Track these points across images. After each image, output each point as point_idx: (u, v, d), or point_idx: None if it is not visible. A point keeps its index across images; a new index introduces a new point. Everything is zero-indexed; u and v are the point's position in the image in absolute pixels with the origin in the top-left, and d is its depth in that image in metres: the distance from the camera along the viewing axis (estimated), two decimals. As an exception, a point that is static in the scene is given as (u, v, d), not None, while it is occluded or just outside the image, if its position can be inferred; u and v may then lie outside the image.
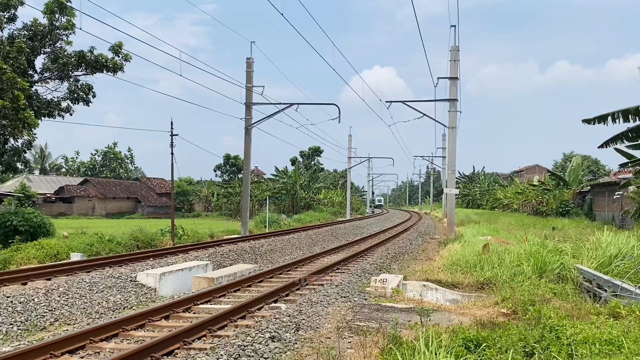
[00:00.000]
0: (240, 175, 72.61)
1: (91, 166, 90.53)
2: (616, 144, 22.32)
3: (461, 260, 15.02)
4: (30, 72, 22.93)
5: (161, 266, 14.76)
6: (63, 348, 7.38)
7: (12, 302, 10.08)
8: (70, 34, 23.21)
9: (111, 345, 7.90)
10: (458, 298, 12.35)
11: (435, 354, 5.28)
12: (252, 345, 7.08)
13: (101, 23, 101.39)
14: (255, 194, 57.30)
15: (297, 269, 15.79)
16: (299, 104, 27.67)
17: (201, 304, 10.65)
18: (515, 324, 6.92)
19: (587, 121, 22.23)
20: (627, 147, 22.35)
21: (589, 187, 42.57)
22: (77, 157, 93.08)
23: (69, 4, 22.67)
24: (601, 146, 22.82)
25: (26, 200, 39.54)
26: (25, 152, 23.89)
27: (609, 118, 21.24)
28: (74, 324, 9.79)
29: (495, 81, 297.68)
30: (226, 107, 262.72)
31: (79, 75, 23.99)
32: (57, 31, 22.94)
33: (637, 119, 20.70)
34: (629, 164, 24.75)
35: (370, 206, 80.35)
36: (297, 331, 7.93)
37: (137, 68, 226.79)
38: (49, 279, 12.44)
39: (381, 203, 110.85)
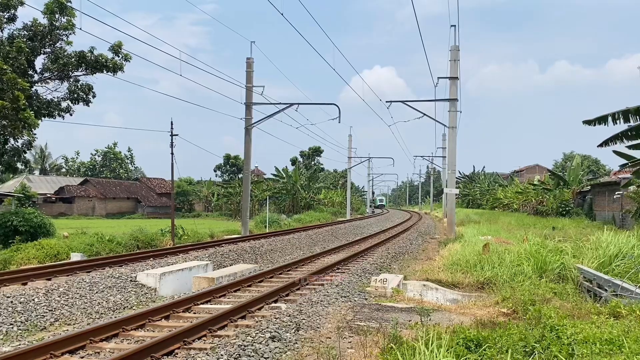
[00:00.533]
0: (240, 175, 72.62)
1: (91, 166, 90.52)
2: (615, 143, 22.28)
3: (461, 260, 15.02)
4: (30, 72, 22.93)
5: (161, 266, 14.75)
6: (63, 348, 7.38)
7: (12, 302, 10.08)
8: (70, 34, 23.21)
9: (111, 345, 7.90)
10: (458, 298, 12.34)
11: (436, 354, 5.28)
12: (252, 345, 7.08)
13: (101, 23, 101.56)
14: (255, 194, 57.31)
15: (297, 269, 15.78)
16: (299, 104, 27.67)
17: (201, 304, 10.65)
18: (516, 324, 6.92)
19: (588, 122, 22.20)
20: (627, 147, 22.32)
21: (589, 187, 42.56)
22: (77, 158, 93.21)
23: (69, 4, 22.67)
24: (601, 145, 22.79)
25: (26, 201, 39.59)
26: (25, 153, 23.89)
27: (610, 119, 21.22)
28: (74, 324, 9.79)
29: (495, 81, 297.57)
30: (226, 107, 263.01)
31: (79, 76, 24.00)
32: (57, 31, 22.94)
33: (638, 119, 20.68)
34: (629, 165, 24.74)
35: (370, 206, 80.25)
36: (298, 331, 7.93)
37: (137, 68, 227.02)
38: (49, 279, 12.43)
39: (383, 203, 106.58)
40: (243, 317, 9.29)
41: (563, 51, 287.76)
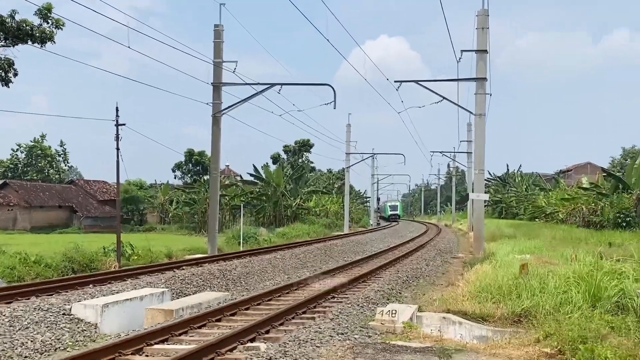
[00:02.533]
0: (206, 177, 72.54)
1: (12, 165, 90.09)
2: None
3: (492, 286, 15.08)
4: None
5: (104, 295, 14.72)
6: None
7: None
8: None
9: (38, 398, 7.85)
10: (488, 334, 12.41)
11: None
12: (222, 397, 7.07)
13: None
14: (226, 201, 57.29)
15: (280, 298, 15.82)
16: (282, 84, 27.75)
17: (156, 343, 10.63)
18: (562, 368, 6.96)
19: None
20: None
21: (655, 192, 42.87)
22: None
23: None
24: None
25: None
26: None
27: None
28: (-11, 372, 9.73)
29: (534, 56, 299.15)
30: (188, 89, 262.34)
31: (-4, 47, 23.88)
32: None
33: None
34: None
35: (376, 216, 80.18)
36: (281, 378, 7.93)
37: (72, 38, 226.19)
38: (-43, 313, 12.34)
39: (397, 212, 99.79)
40: (210, 361, 9.29)
41: (622, 18, 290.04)
